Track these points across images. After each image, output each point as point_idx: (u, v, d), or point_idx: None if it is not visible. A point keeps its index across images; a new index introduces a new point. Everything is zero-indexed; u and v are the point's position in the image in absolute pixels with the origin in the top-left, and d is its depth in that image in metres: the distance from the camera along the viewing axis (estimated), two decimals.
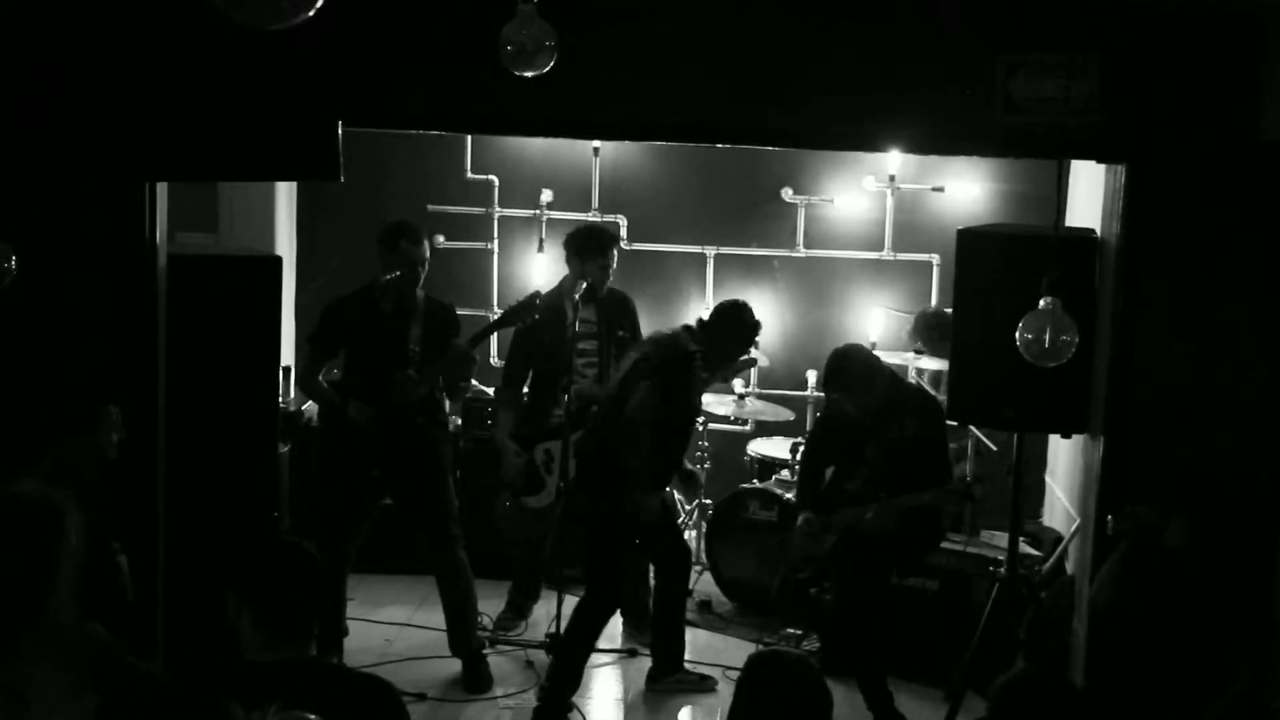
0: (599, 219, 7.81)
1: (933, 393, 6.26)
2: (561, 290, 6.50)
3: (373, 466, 5.88)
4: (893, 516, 5.58)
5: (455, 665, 6.14)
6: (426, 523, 6.04)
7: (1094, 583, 4.99)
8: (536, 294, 6.14)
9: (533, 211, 8.06)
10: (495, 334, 7.30)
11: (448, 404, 6.33)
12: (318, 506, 6.17)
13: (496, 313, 7.77)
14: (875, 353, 6.03)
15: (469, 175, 8.06)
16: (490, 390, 7.25)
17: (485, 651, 6.22)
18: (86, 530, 3.29)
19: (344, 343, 6.06)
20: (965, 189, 7.78)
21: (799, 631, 6.62)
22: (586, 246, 6.43)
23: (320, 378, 6.12)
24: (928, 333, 7.00)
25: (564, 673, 5.68)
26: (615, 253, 6.52)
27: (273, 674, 2.92)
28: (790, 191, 7.94)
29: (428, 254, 6.01)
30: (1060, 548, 6.36)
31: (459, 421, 7.33)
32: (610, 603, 5.83)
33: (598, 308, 6.43)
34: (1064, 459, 6.92)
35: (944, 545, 6.24)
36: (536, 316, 6.08)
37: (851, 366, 5.68)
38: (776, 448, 7.37)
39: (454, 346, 5.93)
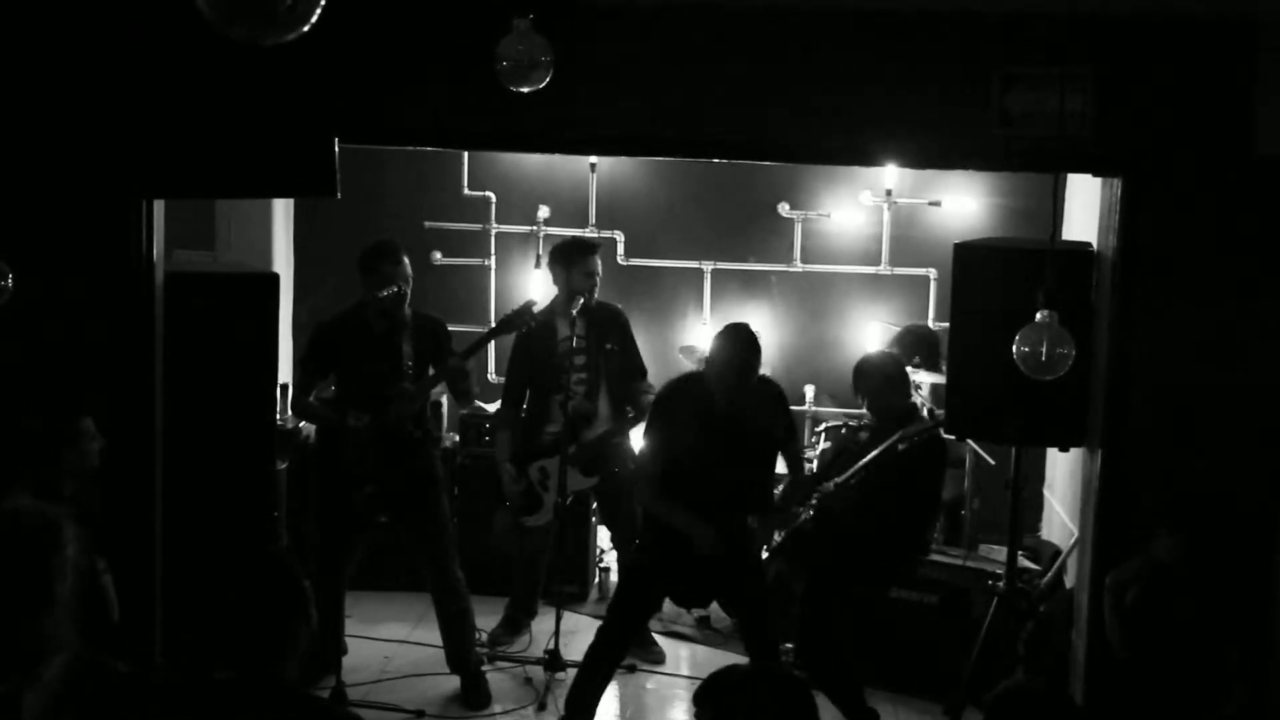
0: (596, 234, 7.82)
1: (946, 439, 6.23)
2: (553, 308, 6.49)
3: (367, 483, 5.86)
4: (854, 478, 5.69)
5: (454, 682, 6.13)
6: (422, 539, 6.03)
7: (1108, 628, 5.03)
8: (531, 302, 6.13)
9: (530, 228, 8.07)
10: (492, 345, 7.30)
11: (445, 420, 6.33)
12: (315, 524, 6.16)
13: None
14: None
15: (466, 191, 8.07)
16: (489, 407, 7.25)
17: (484, 668, 6.21)
18: (80, 545, 3.28)
19: (335, 365, 6.04)
20: (962, 203, 7.79)
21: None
22: (569, 256, 6.44)
23: (313, 398, 6.11)
24: (913, 349, 7.03)
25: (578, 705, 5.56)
26: (598, 259, 6.50)
27: (238, 694, 2.90)
28: (787, 206, 7.95)
29: (410, 271, 5.97)
30: (1059, 561, 6.36)
31: (456, 438, 7.33)
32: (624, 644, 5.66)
33: (588, 321, 6.42)
34: (1062, 472, 6.92)
35: (943, 559, 6.24)
36: (533, 324, 6.07)
37: (877, 371, 5.92)
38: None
39: (446, 366, 5.91)
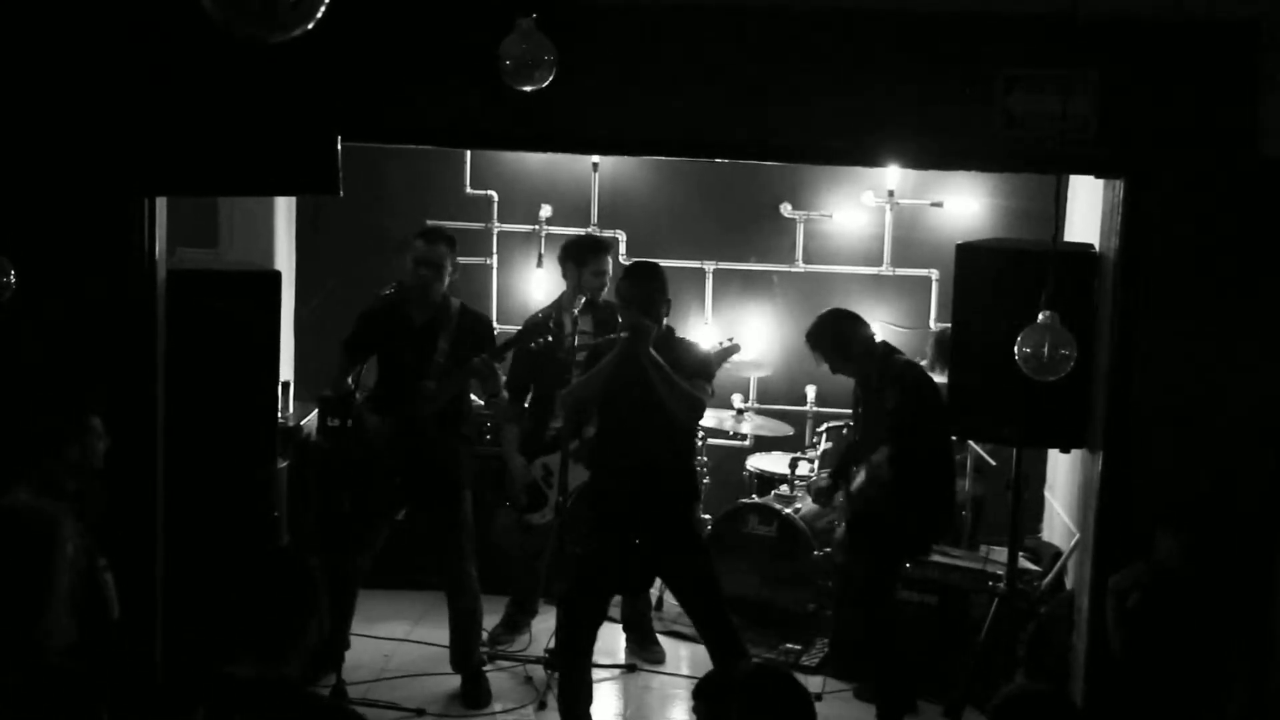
0: (598, 234, 7.81)
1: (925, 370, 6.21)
2: (560, 304, 6.50)
3: (395, 474, 5.87)
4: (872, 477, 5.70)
5: (454, 681, 6.13)
6: (440, 536, 6.03)
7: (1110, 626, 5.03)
8: (550, 315, 6.13)
9: (532, 227, 8.07)
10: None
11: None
12: (327, 513, 6.15)
13: (499, 329, 7.79)
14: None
15: (468, 190, 8.07)
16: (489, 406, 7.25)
17: (484, 667, 6.21)
18: (80, 542, 3.29)
19: (374, 350, 6.05)
20: (964, 204, 7.79)
21: (798, 646, 6.61)
22: (581, 254, 6.45)
23: (351, 380, 6.09)
24: (945, 352, 7.00)
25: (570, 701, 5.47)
26: (610, 259, 6.51)
27: (242, 690, 2.91)
28: (789, 206, 7.95)
29: (444, 257, 5.94)
30: (1060, 563, 6.35)
31: None
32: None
33: (595, 318, 6.42)
34: (1063, 474, 6.91)
35: (944, 560, 6.24)
36: (550, 338, 6.07)
37: (833, 329, 5.86)
38: (775, 463, 7.37)
39: (472, 363, 5.90)
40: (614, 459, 5.34)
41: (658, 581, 6.88)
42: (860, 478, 5.84)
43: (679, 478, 5.38)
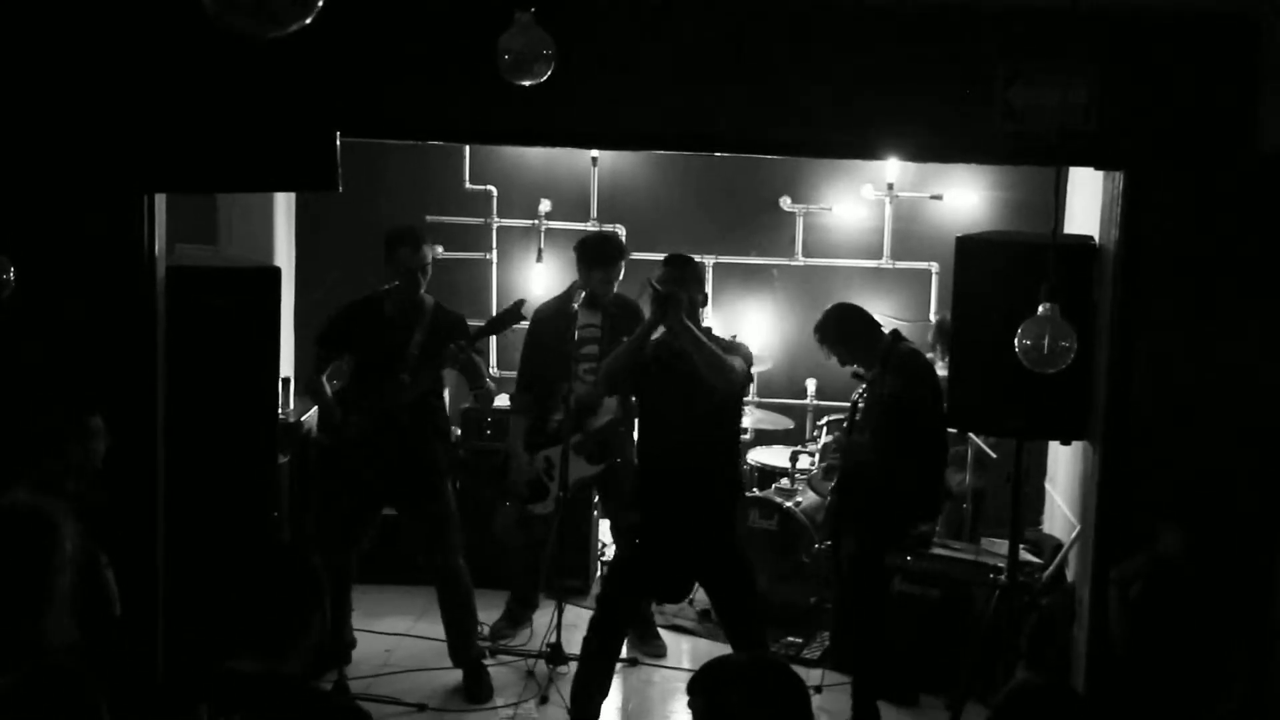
0: (598, 229, 7.80)
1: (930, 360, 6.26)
2: (570, 294, 6.47)
3: (369, 472, 5.88)
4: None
5: (456, 675, 6.14)
6: (424, 529, 6.04)
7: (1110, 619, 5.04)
8: (520, 302, 6.11)
9: (531, 221, 8.07)
10: (494, 341, 7.30)
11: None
12: (320, 515, 6.16)
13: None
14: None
15: (467, 185, 8.06)
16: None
17: (485, 661, 6.21)
18: (79, 540, 3.28)
19: (348, 346, 6.06)
20: (963, 197, 7.79)
21: (799, 640, 6.61)
22: (590, 260, 6.41)
23: (325, 378, 6.11)
24: (946, 337, 7.02)
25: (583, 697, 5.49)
26: (622, 265, 6.47)
27: (244, 686, 2.90)
28: (789, 200, 7.94)
29: (429, 260, 5.98)
30: (1060, 555, 6.35)
31: (458, 432, 7.33)
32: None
33: (603, 312, 6.41)
34: (1064, 466, 6.91)
35: (946, 553, 6.24)
36: (522, 323, 6.09)
37: (838, 323, 5.95)
38: (776, 456, 7.37)
39: (449, 350, 5.89)
40: (658, 461, 5.34)
41: None
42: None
43: (723, 479, 5.36)
